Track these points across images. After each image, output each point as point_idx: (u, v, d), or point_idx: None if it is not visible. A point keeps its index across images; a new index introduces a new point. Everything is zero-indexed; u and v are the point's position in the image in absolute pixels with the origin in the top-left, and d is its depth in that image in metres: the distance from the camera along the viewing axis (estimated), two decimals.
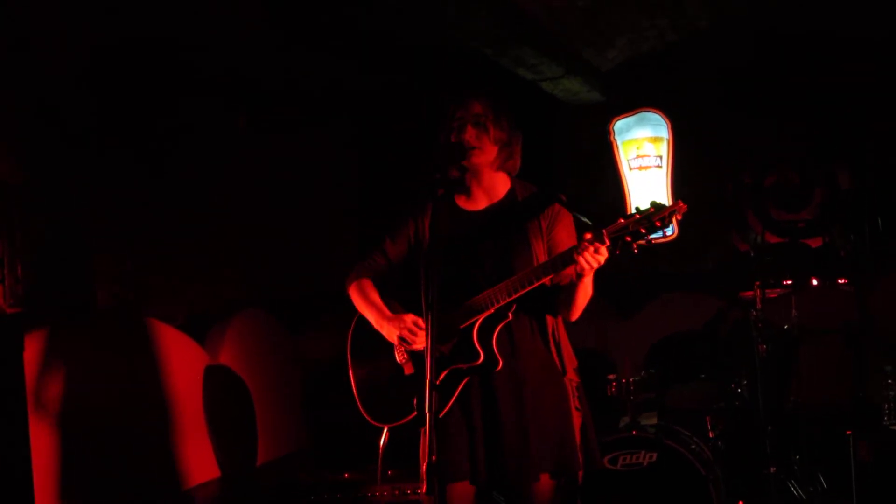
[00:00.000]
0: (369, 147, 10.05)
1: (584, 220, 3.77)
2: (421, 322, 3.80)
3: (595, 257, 3.59)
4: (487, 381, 3.84)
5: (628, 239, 3.58)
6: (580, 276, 3.68)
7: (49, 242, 6.43)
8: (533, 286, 3.72)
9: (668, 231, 8.95)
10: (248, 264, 8.66)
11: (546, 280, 3.75)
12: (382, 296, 4.08)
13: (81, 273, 6.77)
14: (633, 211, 3.61)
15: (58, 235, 6.55)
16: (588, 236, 3.59)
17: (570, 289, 3.79)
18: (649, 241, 3.59)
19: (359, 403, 4.02)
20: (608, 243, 3.59)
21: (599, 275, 3.79)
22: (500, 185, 4.09)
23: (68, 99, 6.66)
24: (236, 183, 8.50)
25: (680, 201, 3.56)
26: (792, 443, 6.71)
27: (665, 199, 9.13)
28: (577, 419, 3.95)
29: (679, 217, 3.56)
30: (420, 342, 3.80)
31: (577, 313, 3.91)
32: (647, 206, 3.59)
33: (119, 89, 7.18)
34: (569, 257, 3.65)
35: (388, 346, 3.98)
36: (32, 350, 5.78)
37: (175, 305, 7.84)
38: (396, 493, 5.46)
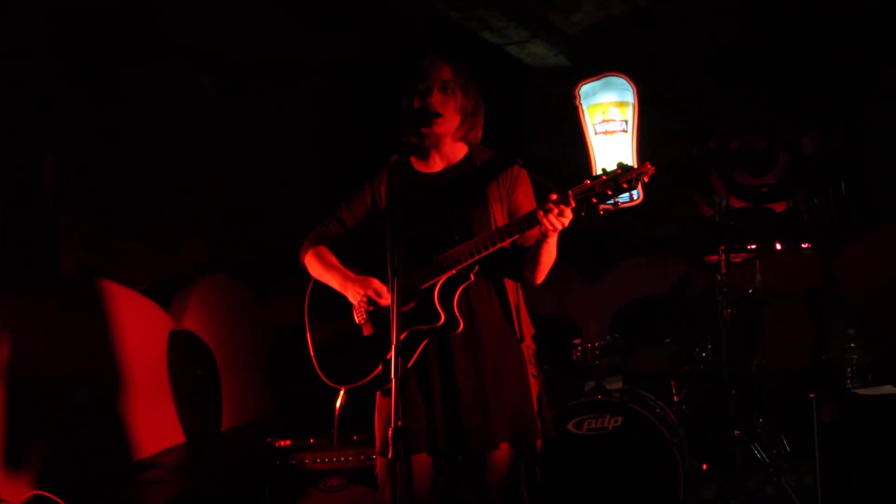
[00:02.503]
0: (332, 111, 9.99)
1: (545, 182, 3.72)
2: (384, 288, 3.77)
3: (559, 219, 3.54)
4: (445, 346, 3.80)
5: (594, 201, 3.53)
6: (545, 236, 3.65)
7: (13, 207, 6.37)
8: (496, 247, 3.68)
9: (635, 195, 8.97)
10: (213, 229, 8.62)
11: (509, 241, 3.71)
12: (340, 261, 4.03)
13: (45, 238, 6.72)
14: (600, 172, 3.56)
15: (22, 200, 6.49)
16: (553, 197, 3.53)
17: (535, 249, 3.74)
18: (616, 204, 3.56)
19: (316, 365, 3.97)
20: (574, 205, 3.53)
21: (564, 239, 3.76)
22: (459, 150, 4.04)
23: (32, 62, 6.59)
24: (201, 147, 8.44)
25: (647, 163, 3.50)
26: (756, 406, 6.76)
27: (631, 162, 9.12)
28: (534, 387, 3.93)
29: (646, 179, 3.51)
30: (385, 301, 3.76)
31: (541, 276, 3.86)
32: (614, 167, 3.55)
33: (83, 53, 7.11)
34: (533, 218, 3.61)
35: (347, 308, 3.92)
36: None
37: (139, 270, 7.80)
38: (351, 459, 5.47)
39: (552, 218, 3.54)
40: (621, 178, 3.50)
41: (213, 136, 8.57)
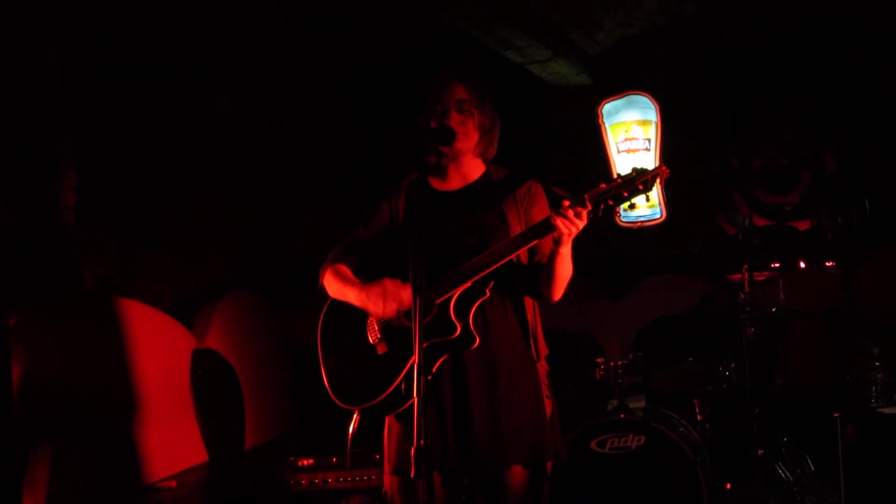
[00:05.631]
0: (353, 128, 10.03)
1: (562, 193, 3.71)
2: (398, 282, 3.74)
3: (574, 221, 3.54)
4: (459, 364, 3.77)
5: (611, 203, 3.55)
6: (557, 243, 3.63)
7: (34, 222, 6.41)
8: (508, 257, 3.66)
9: (657, 210, 8.97)
10: (235, 246, 8.65)
11: (523, 251, 3.71)
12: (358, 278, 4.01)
13: (67, 254, 6.75)
14: (616, 176, 3.58)
15: (43, 217, 6.52)
16: (568, 203, 3.55)
17: (550, 262, 3.72)
18: (633, 205, 3.58)
19: (328, 387, 3.91)
20: (590, 207, 3.54)
21: (588, 257, 3.76)
22: (476, 168, 4.04)
23: (53, 79, 6.63)
24: (223, 164, 8.48)
25: (662, 165, 3.56)
26: (779, 425, 6.73)
27: (654, 182, 9.12)
28: (548, 407, 3.89)
29: (661, 182, 3.56)
30: (403, 298, 3.72)
31: (558, 291, 3.83)
32: (629, 170, 3.59)
33: (106, 70, 7.16)
34: (547, 223, 3.60)
35: (360, 329, 3.89)
36: (17, 331, 5.76)
37: (162, 287, 7.83)
38: (374, 477, 5.46)
39: (567, 221, 3.54)
40: (636, 179, 3.54)
41: (235, 153, 8.61)
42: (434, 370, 3.70)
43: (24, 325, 5.93)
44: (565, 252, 3.69)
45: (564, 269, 3.75)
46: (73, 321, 6.53)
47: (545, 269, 3.79)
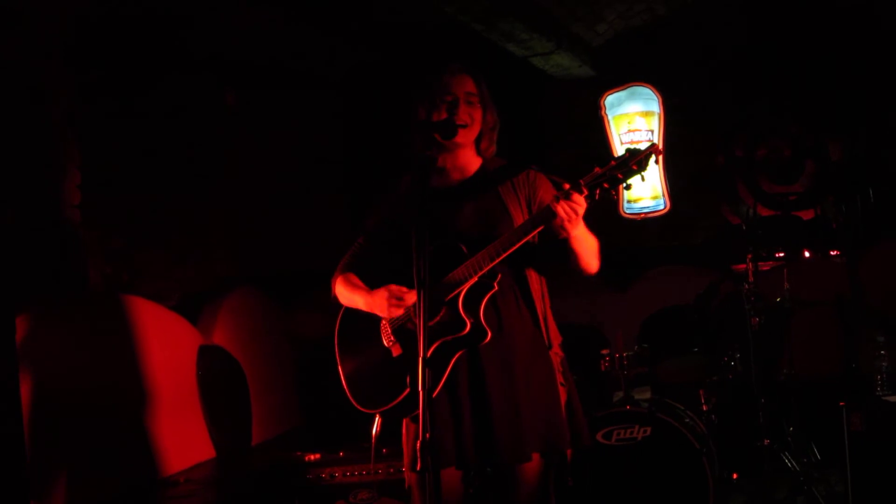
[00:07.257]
0: (356, 123, 10.03)
1: (561, 181, 3.71)
2: (403, 288, 3.76)
3: (573, 206, 3.55)
4: (475, 357, 3.76)
5: (606, 185, 3.56)
6: (564, 229, 3.62)
7: (40, 221, 6.42)
8: (514, 247, 3.66)
9: (658, 200, 8.98)
10: (240, 243, 8.66)
11: (528, 238, 3.68)
12: (366, 283, 4.01)
13: (73, 252, 6.76)
14: (610, 159, 3.59)
15: (49, 216, 6.53)
16: (566, 187, 3.56)
17: (568, 245, 3.73)
18: (629, 186, 3.58)
19: (348, 394, 3.93)
20: (586, 192, 3.55)
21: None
22: (473, 163, 4.03)
23: (56, 77, 6.64)
24: (227, 161, 8.48)
25: (656, 144, 3.57)
26: (785, 415, 6.73)
27: (657, 173, 9.13)
28: (562, 395, 3.90)
29: (657, 160, 3.56)
30: (408, 300, 3.75)
31: (588, 264, 3.86)
32: (623, 152, 3.59)
33: (109, 66, 7.16)
34: (547, 211, 3.61)
35: (375, 333, 3.90)
36: (24, 331, 5.78)
37: (168, 285, 7.84)
38: (381, 471, 5.48)
39: (564, 206, 3.55)
40: (630, 160, 3.54)
41: (239, 150, 8.62)
42: (448, 370, 3.70)
43: (31, 323, 5.94)
44: (578, 234, 3.69)
45: (583, 246, 3.77)
46: (80, 320, 6.54)
47: (568, 251, 3.79)
